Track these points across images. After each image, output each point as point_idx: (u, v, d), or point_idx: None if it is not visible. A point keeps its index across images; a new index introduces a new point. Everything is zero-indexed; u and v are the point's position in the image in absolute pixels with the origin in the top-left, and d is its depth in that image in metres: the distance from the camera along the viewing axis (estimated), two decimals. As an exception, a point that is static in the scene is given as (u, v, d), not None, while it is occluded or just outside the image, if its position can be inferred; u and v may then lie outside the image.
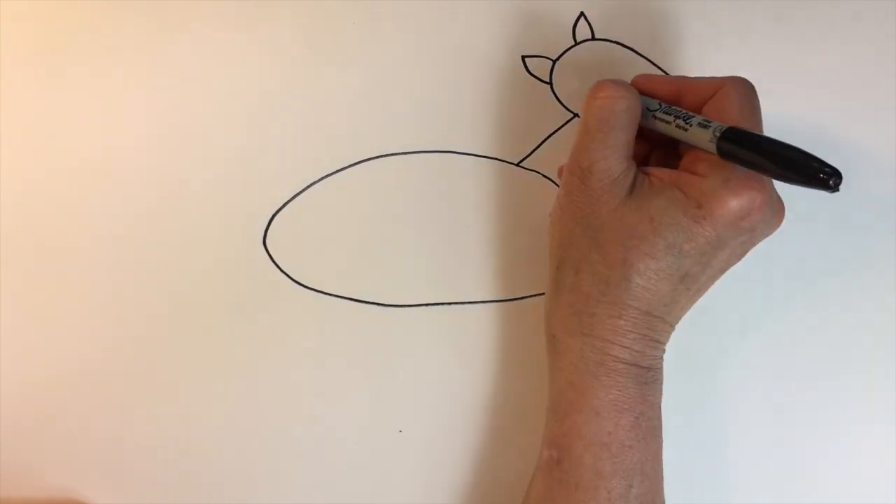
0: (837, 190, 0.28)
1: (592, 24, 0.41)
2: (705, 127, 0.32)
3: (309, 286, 0.40)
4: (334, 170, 0.41)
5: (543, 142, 0.41)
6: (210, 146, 0.41)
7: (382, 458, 0.39)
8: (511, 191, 0.41)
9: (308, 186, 0.41)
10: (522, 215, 0.40)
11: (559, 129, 0.41)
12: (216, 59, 0.42)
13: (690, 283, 0.33)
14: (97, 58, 0.42)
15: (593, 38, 0.41)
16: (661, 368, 0.35)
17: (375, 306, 0.40)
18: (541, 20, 0.41)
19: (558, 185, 0.40)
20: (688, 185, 0.32)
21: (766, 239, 0.34)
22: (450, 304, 0.40)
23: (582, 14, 0.41)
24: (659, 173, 0.33)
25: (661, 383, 0.35)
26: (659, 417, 0.34)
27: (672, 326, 0.34)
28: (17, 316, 0.40)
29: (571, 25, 0.41)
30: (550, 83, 0.41)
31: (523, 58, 0.41)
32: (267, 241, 0.41)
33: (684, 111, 0.33)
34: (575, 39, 0.41)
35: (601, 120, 0.33)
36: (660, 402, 0.35)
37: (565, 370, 0.34)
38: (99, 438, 0.40)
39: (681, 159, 0.34)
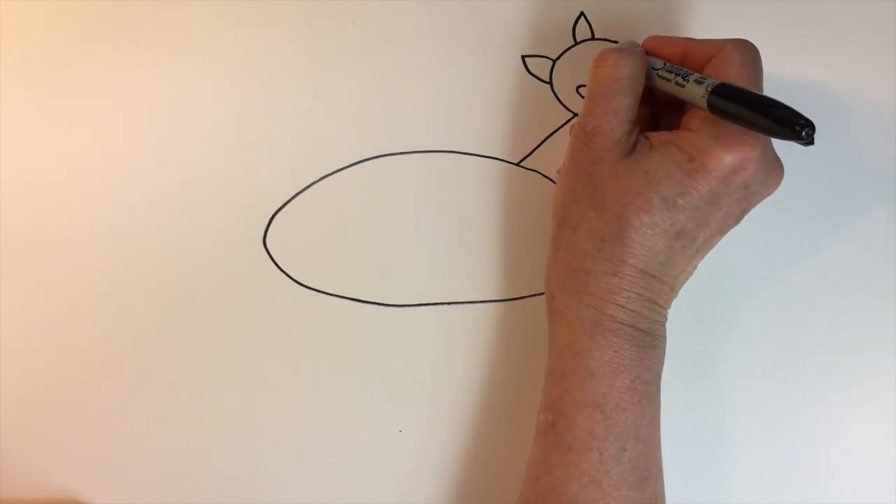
0: (811, 142, 0.28)
1: (592, 24, 0.41)
2: (700, 83, 0.32)
3: (309, 286, 0.40)
4: (334, 170, 0.41)
5: (543, 141, 0.41)
6: (210, 146, 0.41)
7: (382, 458, 0.39)
8: (511, 190, 0.41)
9: (308, 186, 0.41)
10: (522, 215, 0.40)
11: (559, 128, 0.41)
12: (216, 58, 0.42)
13: (686, 240, 0.33)
14: (96, 58, 0.42)
15: (593, 38, 0.41)
16: (662, 335, 0.35)
17: (375, 306, 0.40)
18: (541, 20, 0.41)
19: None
20: (682, 141, 0.33)
21: (768, 233, 0.34)
22: (450, 303, 0.40)
23: (582, 14, 0.41)
24: (658, 135, 0.34)
25: (663, 351, 0.35)
26: (657, 384, 0.34)
27: (672, 289, 0.34)
28: (18, 316, 0.40)
29: (571, 25, 0.41)
30: (550, 83, 0.41)
31: (523, 58, 0.41)
32: (267, 241, 0.41)
33: (684, 69, 0.34)
34: (575, 39, 0.41)
35: (604, 86, 0.34)
36: (660, 369, 0.34)
37: (563, 331, 0.34)
38: (99, 438, 0.40)
39: None
